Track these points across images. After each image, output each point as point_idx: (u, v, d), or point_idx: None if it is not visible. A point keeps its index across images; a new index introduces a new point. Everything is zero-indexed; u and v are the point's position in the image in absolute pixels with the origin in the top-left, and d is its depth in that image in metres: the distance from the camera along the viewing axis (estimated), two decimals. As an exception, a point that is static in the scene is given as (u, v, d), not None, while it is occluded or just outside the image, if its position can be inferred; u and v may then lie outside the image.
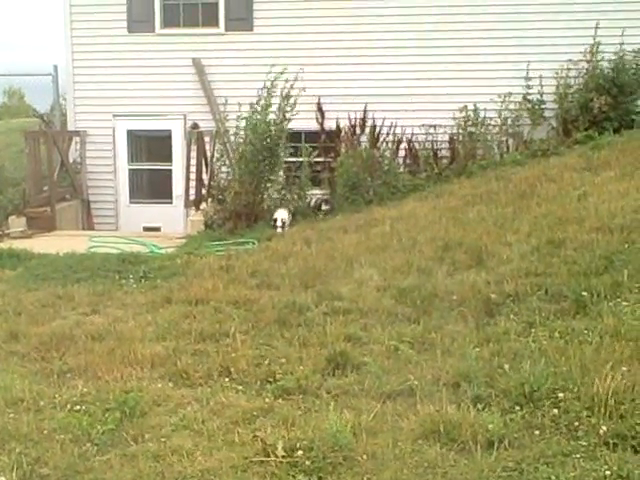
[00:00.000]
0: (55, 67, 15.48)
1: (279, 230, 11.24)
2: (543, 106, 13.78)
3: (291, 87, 11.84)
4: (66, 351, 6.09)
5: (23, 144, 14.25)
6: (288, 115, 12.08)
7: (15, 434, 4.57)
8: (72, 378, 5.55)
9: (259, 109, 11.91)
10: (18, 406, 5.00)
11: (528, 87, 13.66)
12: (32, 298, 7.79)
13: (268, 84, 11.82)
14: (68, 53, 15.16)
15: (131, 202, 15.42)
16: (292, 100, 11.94)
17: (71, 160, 14.95)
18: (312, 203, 12.98)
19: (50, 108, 17.40)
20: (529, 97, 13.76)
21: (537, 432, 4.17)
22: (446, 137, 13.74)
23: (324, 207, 12.26)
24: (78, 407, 4.93)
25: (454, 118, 13.61)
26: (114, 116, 15.12)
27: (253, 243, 10.48)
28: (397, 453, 4.11)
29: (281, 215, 11.47)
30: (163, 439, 4.46)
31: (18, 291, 8.14)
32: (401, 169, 13.23)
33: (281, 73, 11.67)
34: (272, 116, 11.97)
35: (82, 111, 15.22)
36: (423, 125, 13.63)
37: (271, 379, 5.34)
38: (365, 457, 4.09)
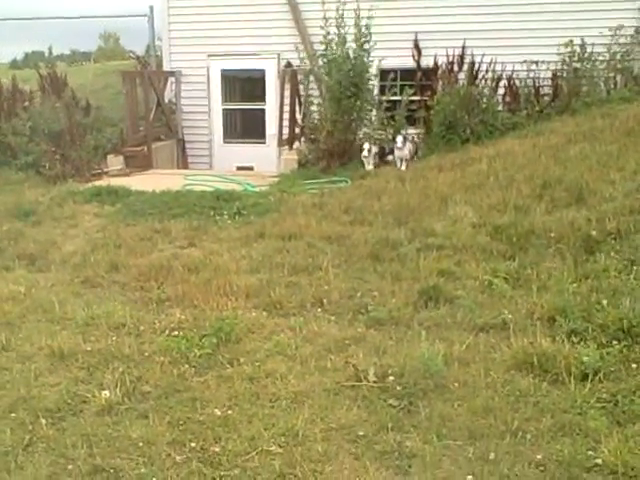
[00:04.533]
0: (151, 8, 15.59)
1: (365, 158, 11.24)
2: (658, 39, 12.91)
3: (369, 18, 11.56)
4: (164, 281, 6.34)
5: (120, 86, 14.51)
6: (367, 47, 11.80)
7: (118, 355, 4.85)
8: (170, 306, 5.79)
9: (335, 43, 11.69)
10: (120, 330, 5.29)
11: (642, 18, 12.80)
12: (131, 232, 8.09)
13: (339, 15, 11.54)
14: (164, -7, 15.23)
15: (225, 142, 15.54)
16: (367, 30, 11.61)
17: (166, 100, 15.13)
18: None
19: (145, 49, 17.61)
20: (643, 29, 12.89)
21: (634, 366, 4.08)
22: (549, 74, 13.01)
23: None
24: (176, 332, 5.16)
25: (558, 53, 12.93)
26: (208, 56, 15.14)
27: (346, 181, 10.47)
28: (489, 382, 4.11)
29: (367, 146, 11.36)
30: (257, 363, 4.62)
31: (117, 225, 8.47)
32: (500, 107, 12.72)
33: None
34: (351, 51, 11.71)
35: (177, 51, 15.29)
36: (525, 61, 13.05)
37: (363, 310, 5.42)
38: (456, 385, 4.13)
